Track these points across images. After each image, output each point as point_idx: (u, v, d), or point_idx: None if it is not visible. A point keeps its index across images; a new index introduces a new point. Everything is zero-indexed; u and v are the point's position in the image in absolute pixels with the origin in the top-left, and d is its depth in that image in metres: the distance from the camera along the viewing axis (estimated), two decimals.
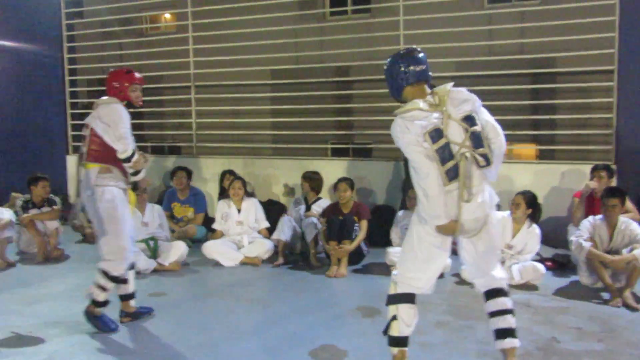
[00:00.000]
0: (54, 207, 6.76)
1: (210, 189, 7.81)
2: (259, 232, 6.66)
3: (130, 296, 4.44)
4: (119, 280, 4.26)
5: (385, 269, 5.89)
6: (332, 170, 7.56)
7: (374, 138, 9.35)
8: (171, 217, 7.22)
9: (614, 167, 6.42)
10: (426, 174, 3.15)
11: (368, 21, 9.93)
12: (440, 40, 8.01)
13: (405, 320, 3.34)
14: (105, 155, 4.18)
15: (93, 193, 4.14)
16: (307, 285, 5.55)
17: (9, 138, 9.94)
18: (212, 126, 9.06)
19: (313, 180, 6.91)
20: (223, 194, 7.23)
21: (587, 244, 5.08)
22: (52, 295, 5.22)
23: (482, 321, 4.40)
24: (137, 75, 4.35)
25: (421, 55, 3.40)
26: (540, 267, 5.36)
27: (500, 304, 3.36)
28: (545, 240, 6.26)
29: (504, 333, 3.34)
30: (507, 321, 3.34)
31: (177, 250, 6.09)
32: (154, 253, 6.14)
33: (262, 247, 6.37)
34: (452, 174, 3.16)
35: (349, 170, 7.55)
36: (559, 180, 6.84)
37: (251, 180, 8.11)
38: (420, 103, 3.22)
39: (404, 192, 6.50)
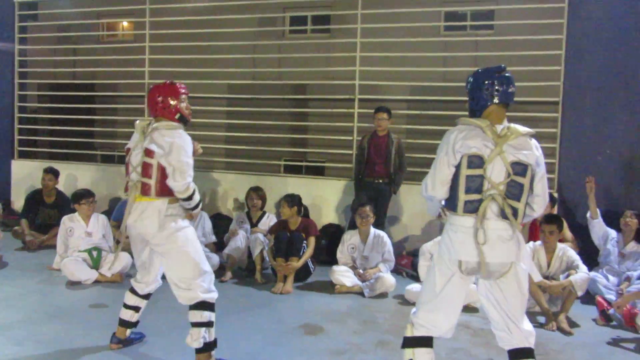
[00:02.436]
0: None
1: None
2: (206, 246, 6.59)
3: (133, 325, 4.17)
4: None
5: (330, 287, 5.92)
6: (284, 187, 7.58)
7: (327, 157, 9.41)
8: (118, 227, 7.08)
9: (555, 195, 6.63)
10: (437, 185, 3.14)
11: (327, 41, 10.04)
12: (396, 64, 8.17)
13: None
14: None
15: (163, 226, 3.74)
16: (252, 301, 5.52)
17: None
18: None
19: (262, 196, 6.88)
20: None
21: None
22: None
23: None
24: (182, 84, 3.94)
25: (512, 77, 3.21)
26: None
27: None
28: None
29: None
30: None
31: (121, 262, 5.96)
32: (96, 263, 6.01)
33: (209, 262, 6.29)
34: (470, 208, 3.03)
35: (301, 187, 7.57)
36: None
37: (201, 195, 8.04)
38: (485, 126, 3.09)
39: (353, 211, 6.56)
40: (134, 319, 4.15)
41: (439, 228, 7.19)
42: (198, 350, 3.74)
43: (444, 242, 3.16)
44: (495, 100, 3.15)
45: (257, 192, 6.89)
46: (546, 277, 5.30)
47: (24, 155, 9.41)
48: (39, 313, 4.84)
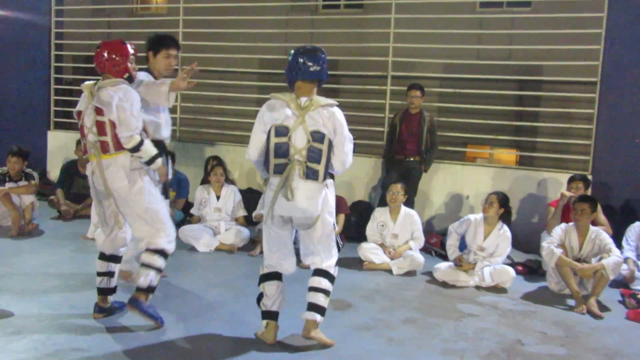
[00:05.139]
0: (31, 181, 6.70)
1: (190, 174, 7.79)
2: (236, 219, 6.67)
3: (111, 291, 4.19)
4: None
5: (359, 264, 5.94)
6: None
7: (357, 134, 9.36)
8: None
9: (590, 177, 6.52)
10: (252, 149, 3.71)
11: (360, 17, 9.95)
12: (430, 41, 8.06)
13: (271, 296, 3.80)
14: None
15: (131, 180, 3.87)
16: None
17: None
18: (197, 111, 9.03)
19: None
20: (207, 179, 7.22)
21: (558, 251, 5.18)
22: (23, 270, 5.20)
23: (450, 320, 4.51)
24: (132, 45, 4.03)
25: (321, 55, 3.62)
26: (511, 270, 5.45)
27: (318, 282, 3.79)
28: (518, 246, 6.37)
29: (311, 307, 3.79)
30: (318, 298, 3.78)
31: None
32: None
33: (239, 235, 6.38)
34: (278, 169, 3.60)
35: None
36: (536, 187, 6.93)
37: (233, 168, 8.11)
38: (290, 99, 3.60)
39: (383, 189, 6.55)
40: (111, 285, 4.17)
41: (468, 208, 7.15)
42: (140, 289, 3.91)
43: (265, 199, 3.74)
44: (299, 76, 3.59)
45: None
46: (578, 260, 5.24)
47: (59, 126, 9.58)
48: (73, 280, 4.97)
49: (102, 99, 3.84)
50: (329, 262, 3.82)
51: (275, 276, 3.82)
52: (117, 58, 3.92)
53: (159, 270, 3.95)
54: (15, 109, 9.70)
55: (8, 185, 6.56)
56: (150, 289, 3.94)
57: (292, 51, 3.64)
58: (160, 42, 4.47)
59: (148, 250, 3.95)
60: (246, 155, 3.79)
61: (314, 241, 3.75)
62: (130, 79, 4.01)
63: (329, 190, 3.76)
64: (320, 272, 3.81)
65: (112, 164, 3.88)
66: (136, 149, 3.85)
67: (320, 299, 3.78)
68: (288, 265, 3.82)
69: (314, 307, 3.78)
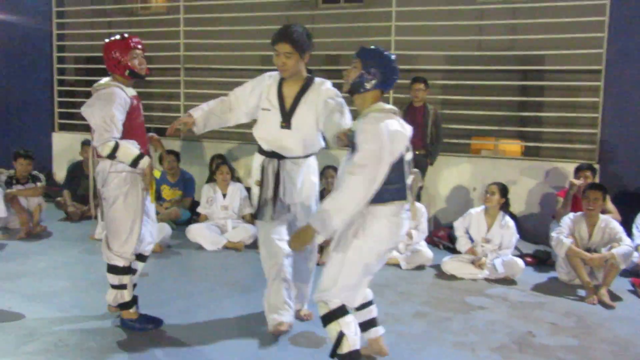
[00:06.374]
0: (38, 183, 6.73)
1: (195, 172, 7.79)
2: (243, 217, 6.67)
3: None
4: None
5: None
6: (321, 159, 7.48)
7: None
8: (157, 198, 7.21)
9: (596, 166, 6.49)
10: (379, 183, 3.00)
11: (360, 11, 9.90)
12: (431, 33, 8.03)
13: (352, 330, 3.11)
14: None
15: (106, 182, 3.76)
16: None
17: None
18: None
19: None
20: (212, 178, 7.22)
21: (567, 241, 5.16)
22: (33, 272, 5.21)
23: (460, 313, 4.51)
24: (135, 39, 3.81)
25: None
26: (520, 262, 5.44)
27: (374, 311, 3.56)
28: (527, 237, 6.36)
29: (373, 322, 3.53)
30: (373, 311, 3.55)
31: (161, 232, 6.06)
32: None
33: (246, 233, 6.38)
34: (409, 187, 3.16)
35: (333, 159, 7.56)
36: (542, 177, 6.91)
37: (238, 166, 8.10)
38: (391, 108, 3.22)
39: None
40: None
41: (475, 201, 7.13)
42: (119, 307, 3.93)
43: (384, 232, 3.11)
44: (384, 88, 3.27)
45: None
46: (587, 250, 5.22)
47: (64, 127, 9.58)
48: (83, 281, 4.98)
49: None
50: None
51: (346, 309, 3.16)
52: (115, 55, 3.75)
53: (120, 287, 3.86)
54: (19, 112, 9.71)
55: (15, 187, 6.59)
56: (123, 306, 3.92)
57: (392, 58, 3.28)
58: (272, 40, 4.01)
59: (107, 270, 3.88)
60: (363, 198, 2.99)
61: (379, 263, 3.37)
62: (135, 74, 3.81)
63: None
64: (371, 303, 3.61)
65: (97, 167, 3.83)
66: (112, 155, 3.62)
67: (375, 310, 3.59)
68: (363, 293, 3.41)
69: (376, 322, 3.54)
